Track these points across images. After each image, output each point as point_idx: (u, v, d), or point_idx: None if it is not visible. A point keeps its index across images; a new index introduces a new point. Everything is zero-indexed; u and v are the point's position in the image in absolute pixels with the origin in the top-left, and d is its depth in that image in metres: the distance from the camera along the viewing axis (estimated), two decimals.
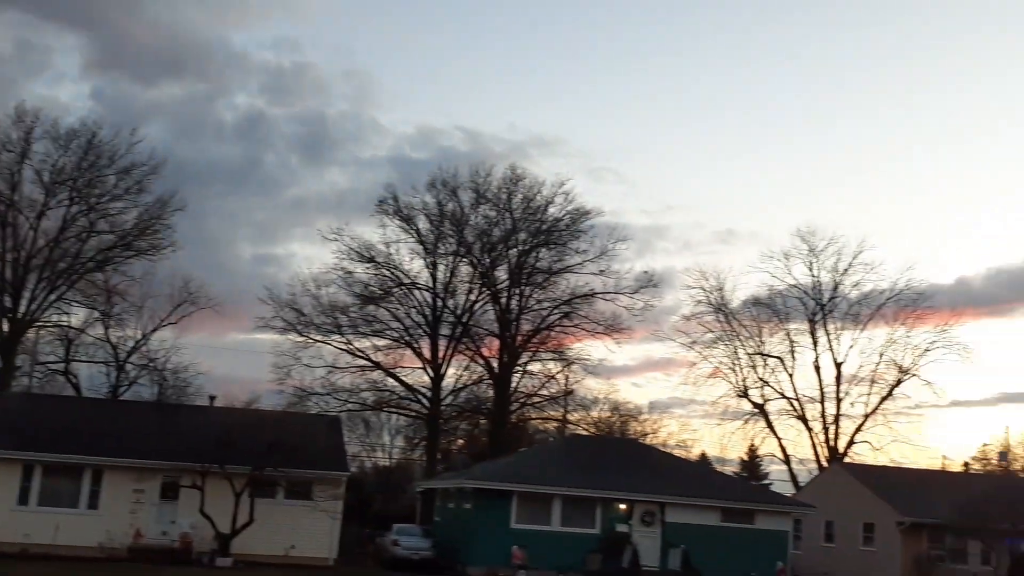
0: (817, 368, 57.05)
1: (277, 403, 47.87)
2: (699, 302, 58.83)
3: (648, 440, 59.57)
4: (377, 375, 53.87)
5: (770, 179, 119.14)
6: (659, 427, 63.45)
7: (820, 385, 56.93)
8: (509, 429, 55.52)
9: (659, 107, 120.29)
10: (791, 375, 57.42)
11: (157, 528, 33.97)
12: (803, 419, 56.87)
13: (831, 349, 57.26)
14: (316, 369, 51.69)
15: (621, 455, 40.47)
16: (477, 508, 34.98)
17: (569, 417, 56.59)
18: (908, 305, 55.84)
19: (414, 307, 54.54)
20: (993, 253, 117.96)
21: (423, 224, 54.73)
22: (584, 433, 54.34)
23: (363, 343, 53.45)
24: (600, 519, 35.27)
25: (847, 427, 56.31)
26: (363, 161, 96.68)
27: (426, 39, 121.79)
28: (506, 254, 55.02)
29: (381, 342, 53.87)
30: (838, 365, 56.89)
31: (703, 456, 65.02)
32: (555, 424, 58.24)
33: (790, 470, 57.64)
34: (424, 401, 53.87)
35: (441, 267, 55.00)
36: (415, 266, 54.95)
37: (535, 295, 55.61)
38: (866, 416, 55.72)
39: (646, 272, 55.45)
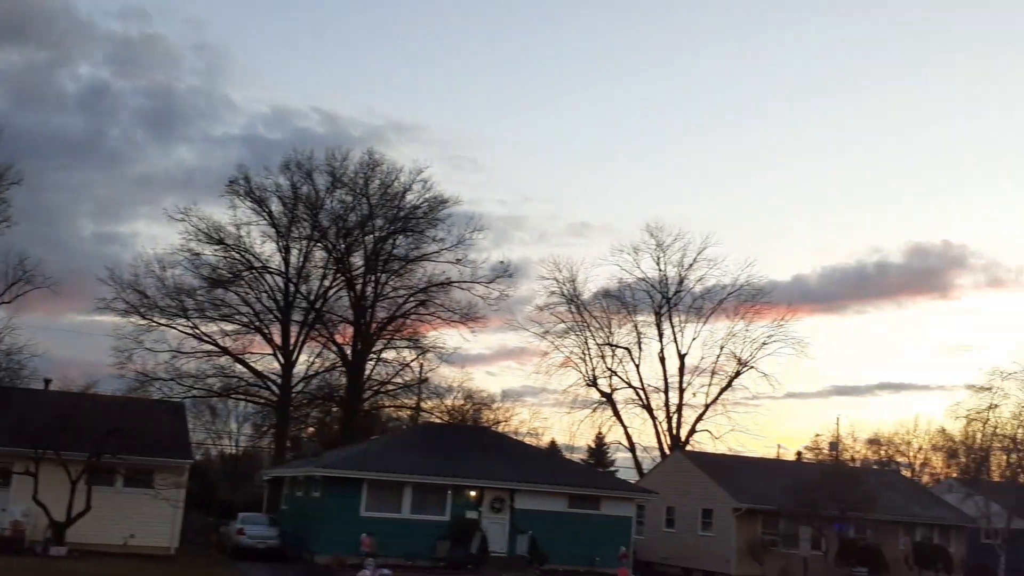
0: (662, 359, 58.91)
1: (117, 388, 46.21)
2: (552, 293, 59.88)
3: (500, 428, 60.25)
4: (225, 361, 52.58)
5: (623, 174, 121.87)
6: (511, 415, 64.29)
7: (664, 375, 58.82)
8: (361, 417, 55.13)
9: (518, 98, 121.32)
10: (638, 365, 59.13)
11: None
12: (648, 408, 58.62)
13: (675, 341, 59.20)
14: (160, 354, 50.11)
15: (472, 443, 40.75)
16: (326, 496, 34.62)
17: (423, 405, 56.67)
18: (748, 300, 58.22)
19: (265, 292, 53.44)
20: (828, 253, 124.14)
21: (276, 207, 53.70)
22: (437, 421, 54.46)
23: (210, 328, 52.11)
24: (450, 506, 35.45)
25: (689, 416, 58.42)
26: (214, 139, 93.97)
27: (283, 15, 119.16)
28: (362, 240, 54.49)
29: (229, 327, 52.63)
30: (681, 356, 58.86)
31: (553, 444, 66.21)
32: (408, 412, 58.19)
33: (635, 458, 59.38)
34: (274, 388, 52.86)
35: (294, 251, 54.12)
36: (267, 249, 53.89)
37: (391, 282, 55.35)
38: (707, 406, 57.91)
39: (502, 262, 55.99)
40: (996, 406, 42.23)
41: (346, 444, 46.23)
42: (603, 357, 59.42)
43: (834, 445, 61.06)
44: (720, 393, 57.79)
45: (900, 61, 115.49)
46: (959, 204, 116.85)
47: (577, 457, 64.40)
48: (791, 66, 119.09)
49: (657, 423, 58.43)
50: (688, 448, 54.94)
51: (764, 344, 57.81)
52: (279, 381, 52.76)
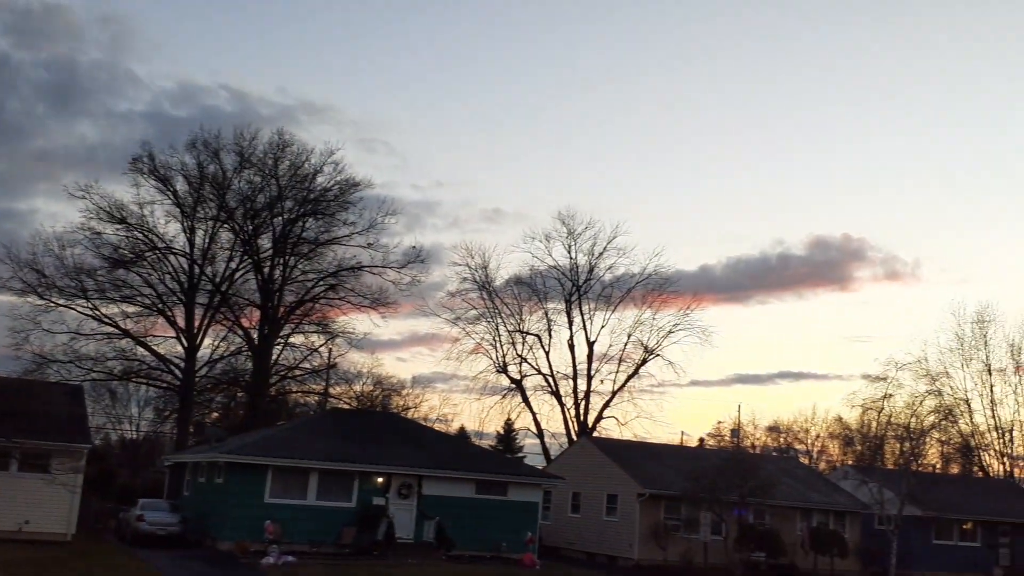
0: (571, 346, 59.49)
1: (13, 370, 44.80)
2: (464, 279, 59.93)
3: (410, 414, 60.13)
4: (126, 343, 51.23)
5: (537, 162, 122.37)
6: (421, 401, 64.21)
7: (573, 362, 59.43)
8: (268, 402, 54.37)
9: (434, 82, 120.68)
10: (547, 352, 59.60)
11: None
12: (557, 395, 59.16)
13: (585, 328, 59.85)
14: (58, 335, 48.56)
15: (380, 429, 40.54)
16: (229, 482, 34.06)
17: (331, 391, 56.07)
18: (655, 289, 59.21)
19: (168, 273, 52.18)
20: (733, 244, 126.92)
21: (181, 186, 52.42)
22: (345, 407, 53.99)
23: (111, 309, 50.69)
24: (357, 492, 35.23)
25: (596, 403, 59.17)
26: (117, 115, 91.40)
27: None
28: (270, 222, 53.58)
29: (131, 309, 51.28)
30: (590, 344, 59.53)
31: (462, 430, 66.35)
32: (316, 398, 57.54)
33: (543, 444, 59.87)
34: (176, 372, 51.72)
35: (200, 232, 52.91)
36: (171, 230, 52.60)
37: (300, 266, 54.60)
38: (613, 393, 58.72)
39: (414, 247, 55.72)
40: (891, 396, 43.69)
41: (251, 430, 45.52)
42: (513, 344, 59.79)
43: (735, 432, 62.58)
44: (627, 380, 58.71)
45: (803, 59, 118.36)
46: (859, 199, 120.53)
47: (486, 443, 64.72)
48: (698, 58, 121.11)
49: (565, 409, 59.09)
50: (595, 434, 55.59)
51: (670, 333, 58.90)
52: (182, 365, 51.64)
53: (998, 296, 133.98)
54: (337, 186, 54.21)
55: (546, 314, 60.12)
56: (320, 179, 54.11)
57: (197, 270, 52.42)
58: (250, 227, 53.28)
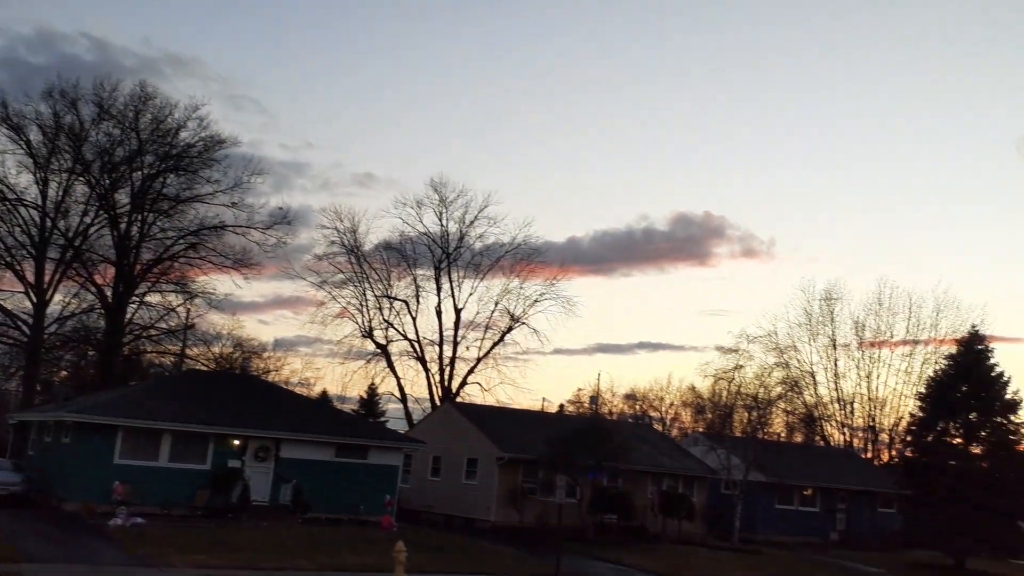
0: (439, 313, 59.74)
1: None
2: (332, 242, 59.28)
3: (271, 377, 59.36)
4: None
5: (410, 127, 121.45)
6: (283, 364, 63.37)
7: (440, 329, 59.70)
8: (121, 362, 52.71)
9: (305, 40, 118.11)
10: (414, 318, 59.66)
11: None
12: (422, 360, 59.33)
13: (453, 296, 60.17)
14: None
15: (239, 391, 39.92)
16: (77, 442, 32.98)
17: (188, 352, 54.77)
18: (524, 259, 59.99)
19: (18, 225, 49.87)
20: (601, 217, 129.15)
21: (35, 135, 50.03)
22: (203, 369, 52.85)
23: None
24: (212, 455, 34.66)
25: (461, 369, 59.65)
26: None
27: None
28: (129, 177, 51.70)
29: None
30: (458, 311, 59.92)
31: (324, 394, 65.89)
32: (172, 358, 56.10)
33: (406, 409, 60.01)
34: (24, 328, 49.58)
35: (53, 184, 50.70)
36: (22, 180, 50.26)
37: (159, 223, 52.89)
38: (479, 359, 59.32)
39: (281, 208, 54.78)
40: (741, 367, 45.71)
41: (103, 390, 44.10)
42: (380, 309, 59.59)
43: (594, 399, 64.19)
44: (492, 347, 59.36)
45: (672, 42, 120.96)
46: (720, 179, 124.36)
47: (348, 408, 64.52)
48: (570, 35, 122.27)
49: (430, 375, 59.32)
50: (458, 400, 56.07)
51: (536, 302, 59.78)
52: (30, 321, 49.53)
53: (845, 275, 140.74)
54: (201, 142, 52.64)
55: (415, 280, 60.20)
56: (184, 134, 52.46)
57: (49, 223, 50.23)
58: (107, 181, 51.30)
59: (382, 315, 59.45)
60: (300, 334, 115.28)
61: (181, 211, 53.06)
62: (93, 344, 52.95)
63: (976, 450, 43.66)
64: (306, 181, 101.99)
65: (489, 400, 56.97)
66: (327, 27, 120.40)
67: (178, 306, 53.57)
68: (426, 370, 59.29)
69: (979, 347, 45.05)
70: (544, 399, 66.88)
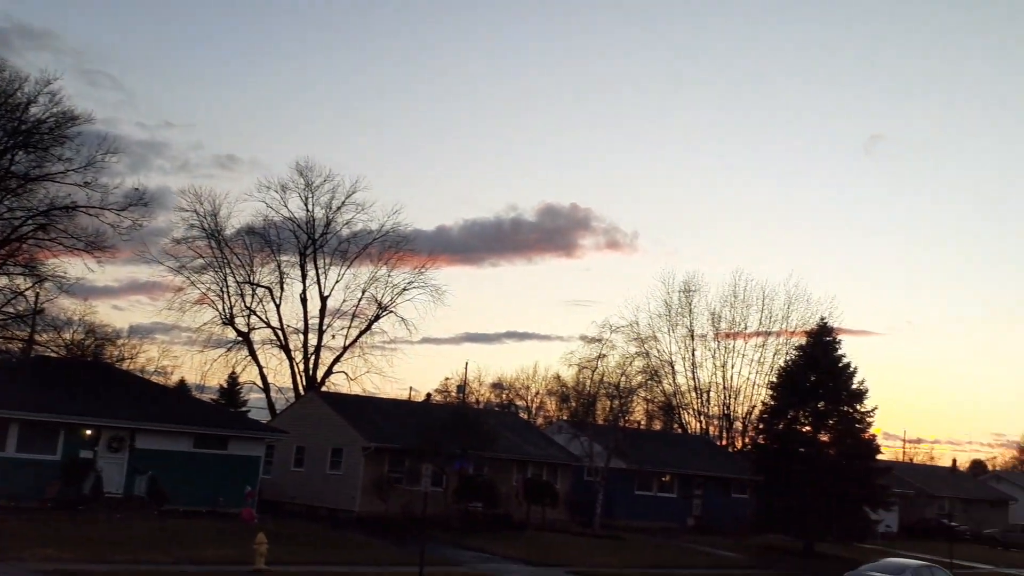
0: (304, 300, 58.60)
1: None
2: (192, 226, 57.16)
3: (126, 365, 57.25)
4: None
5: (275, 108, 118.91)
6: (139, 352, 61.13)
7: (305, 317, 58.57)
8: None
9: (164, 15, 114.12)
10: (278, 306, 58.35)
11: None
12: (286, 349, 58.15)
13: (319, 283, 59.10)
14: None
15: (91, 379, 38.45)
16: None
17: (37, 338, 52.15)
18: (392, 247, 59.29)
19: None
20: (470, 206, 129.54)
21: None
22: (53, 355, 50.50)
23: None
24: (63, 445, 33.29)
25: (327, 358, 58.71)
26: None
27: None
28: None
29: None
30: (324, 298, 58.93)
31: (182, 383, 63.97)
32: (19, 345, 53.37)
33: (268, 399, 58.73)
34: None
35: None
36: None
37: (7, 202, 49.90)
38: (345, 348, 58.50)
39: (137, 189, 52.07)
40: (604, 356, 46.71)
41: None
42: (242, 296, 58.00)
43: (461, 388, 64.34)
44: (359, 336, 58.65)
45: (547, 35, 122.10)
46: (586, 171, 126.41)
47: (208, 397, 62.70)
48: (443, 22, 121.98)
49: (294, 364, 58.20)
50: (323, 389, 55.29)
51: (404, 290, 59.28)
52: None
53: (703, 268, 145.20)
54: (53, 118, 49.77)
55: (279, 266, 58.79)
56: (34, 109, 49.44)
57: None
58: None
59: (244, 302, 57.96)
60: (157, 321, 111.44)
61: (30, 190, 50.14)
62: None
63: (824, 437, 45.52)
64: (164, 162, 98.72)
65: (355, 390, 56.37)
66: (187, 6, 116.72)
67: (26, 290, 50.78)
68: (290, 359, 58.21)
69: (827, 339, 46.96)
70: (412, 388, 66.71)
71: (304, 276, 58.78)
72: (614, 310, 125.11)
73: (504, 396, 76.73)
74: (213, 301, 57.18)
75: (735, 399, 69.89)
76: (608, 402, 47.85)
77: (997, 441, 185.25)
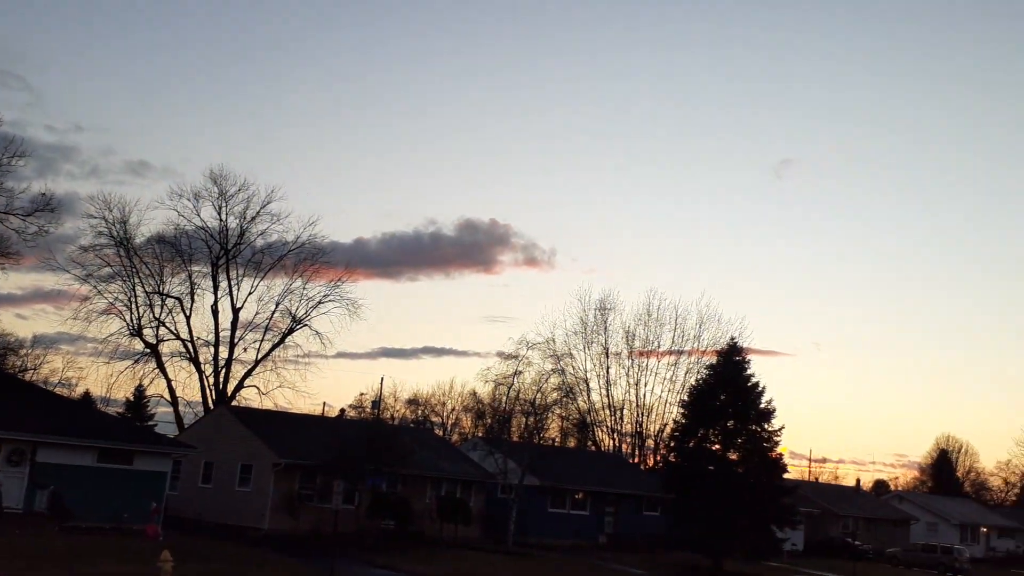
0: (215, 312, 57.49)
1: None
2: (100, 233, 55.67)
3: (29, 376, 55.36)
4: None
5: (188, 115, 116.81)
6: (42, 363, 59.20)
7: (216, 329, 57.47)
8: None
9: (75, 16, 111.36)
10: (188, 317, 57.14)
11: None
12: (195, 362, 56.92)
13: (231, 294, 58.02)
14: None
15: None
16: None
17: None
18: (308, 259, 58.48)
19: None
20: (389, 220, 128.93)
21: None
22: None
23: None
24: None
25: (238, 372, 57.62)
26: None
27: None
28: None
29: None
30: (236, 311, 57.87)
31: (87, 395, 62.16)
32: None
33: (176, 412, 57.37)
34: None
35: None
36: None
37: None
38: (257, 362, 57.47)
39: (44, 194, 50.65)
40: (520, 372, 46.77)
41: None
42: (151, 306, 56.67)
43: (376, 404, 63.80)
44: (272, 349, 57.70)
45: (471, 51, 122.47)
46: (506, 188, 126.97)
47: (113, 410, 61.07)
48: (361, 33, 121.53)
49: (204, 377, 56.99)
50: (234, 404, 54.22)
51: (320, 303, 58.51)
52: None
53: (619, 287, 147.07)
54: None
55: (190, 277, 57.59)
56: None
57: None
58: None
59: (153, 313, 56.61)
60: (62, 331, 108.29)
61: None
62: None
63: (733, 456, 46.19)
64: (74, 167, 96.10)
65: (267, 404, 55.39)
66: (101, 7, 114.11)
67: None
68: (200, 372, 56.97)
69: (737, 358, 47.74)
70: (325, 404, 65.89)
71: (216, 287, 57.78)
72: (531, 327, 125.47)
73: (420, 412, 76.34)
74: (121, 311, 55.78)
75: (647, 417, 70.86)
76: (523, 419, 47.92)
77: (899, 462, 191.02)
